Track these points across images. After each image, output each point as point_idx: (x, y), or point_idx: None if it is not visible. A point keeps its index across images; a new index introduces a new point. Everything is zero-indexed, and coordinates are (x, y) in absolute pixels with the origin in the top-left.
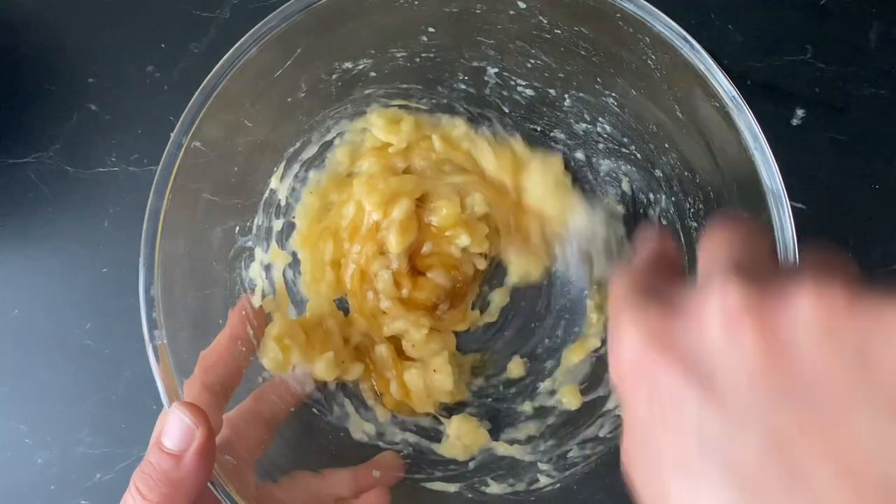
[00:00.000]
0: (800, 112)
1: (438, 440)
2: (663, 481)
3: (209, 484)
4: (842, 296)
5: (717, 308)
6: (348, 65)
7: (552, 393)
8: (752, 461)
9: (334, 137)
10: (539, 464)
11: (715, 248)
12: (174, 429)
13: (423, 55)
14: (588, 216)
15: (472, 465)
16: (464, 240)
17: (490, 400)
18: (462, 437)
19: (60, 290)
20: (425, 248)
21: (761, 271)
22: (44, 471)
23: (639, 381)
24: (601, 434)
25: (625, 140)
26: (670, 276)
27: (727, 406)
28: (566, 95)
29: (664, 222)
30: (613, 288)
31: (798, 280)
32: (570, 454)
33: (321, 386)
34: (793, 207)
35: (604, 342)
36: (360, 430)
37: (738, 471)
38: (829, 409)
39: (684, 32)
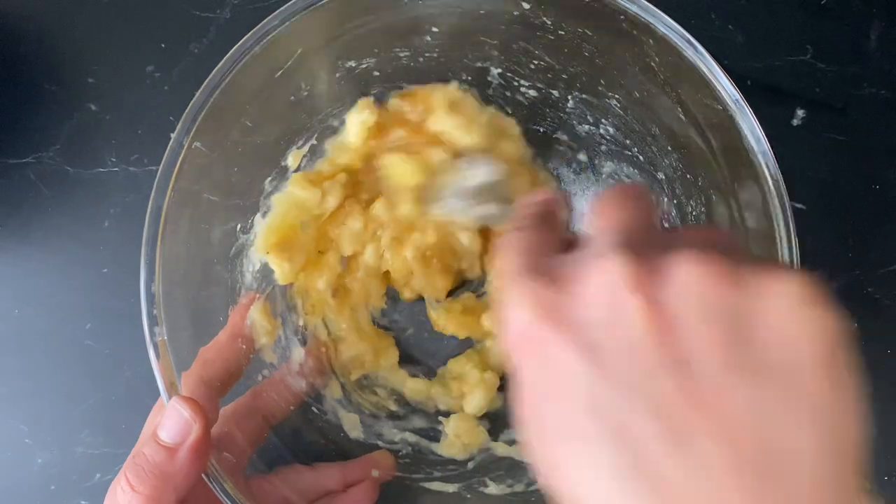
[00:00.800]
0: (800, 112)
1: (437, 440)
2: (554, 447)
3: (203, 476)
4: (720, 268)
5: (603, 283)
6: (351, 63)
7: None
8: (639, 426)
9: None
10: None
11: (604, 214)
12: (171, 422)
13: (426, 55)
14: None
15: (470, 465)
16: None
17: None
18: (461, 436)
19: (60, 290)
20: None
21: (646, 241)
22: (44, 471)
23: (529, 353)
24: None
25: (627, 142)
26: (555, 240)
27: (615, 375)
28: (569, 97)
29: (665, 224)
30: (499, 258)
31: (680, 252)
32: None
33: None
34: (793, 207)
35: None
36: (350, 423)
37: (625, 435)
38: (711, 378)
39: (688, 35)
